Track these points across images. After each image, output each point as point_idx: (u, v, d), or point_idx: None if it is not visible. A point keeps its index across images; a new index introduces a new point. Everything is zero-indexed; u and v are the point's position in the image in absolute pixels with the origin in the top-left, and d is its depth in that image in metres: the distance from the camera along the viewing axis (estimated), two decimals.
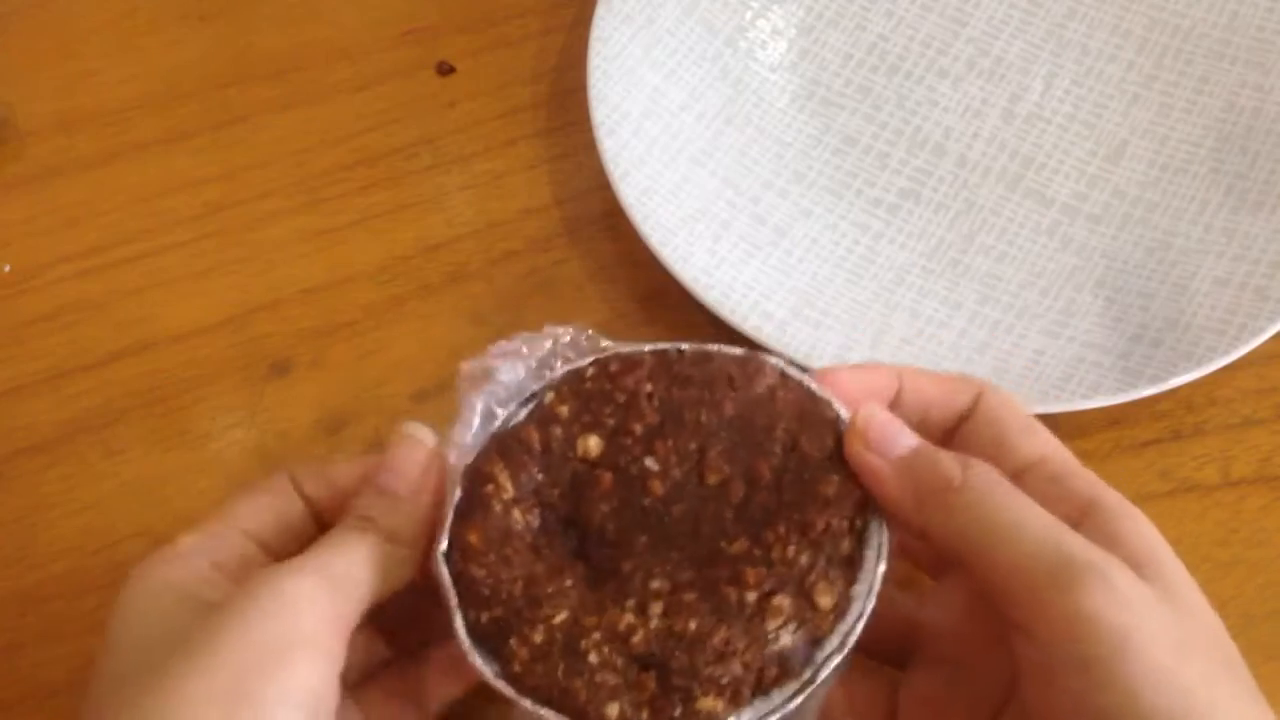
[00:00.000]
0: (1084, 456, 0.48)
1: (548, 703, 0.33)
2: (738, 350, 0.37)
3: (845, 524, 0.34)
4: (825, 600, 0.33)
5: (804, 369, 0.37)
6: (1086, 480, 0.34)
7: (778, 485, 0.35)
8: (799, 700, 0.32)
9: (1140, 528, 0.32)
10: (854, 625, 0.33)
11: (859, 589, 0.33)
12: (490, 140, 0.57)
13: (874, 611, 0.33)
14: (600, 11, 0.56)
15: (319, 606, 0.32)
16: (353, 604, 0.33)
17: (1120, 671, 0.29)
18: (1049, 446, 0.35)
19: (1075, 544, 0.31)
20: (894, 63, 0.57)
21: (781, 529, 0.34)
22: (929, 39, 0.58)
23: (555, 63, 0.59)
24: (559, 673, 0.33)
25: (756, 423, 0.35)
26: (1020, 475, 0.34)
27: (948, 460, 0.33)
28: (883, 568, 0.34)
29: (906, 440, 0.34)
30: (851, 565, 0.33)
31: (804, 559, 0.33)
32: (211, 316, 0.53)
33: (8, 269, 0.54)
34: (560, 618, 0.34)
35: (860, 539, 0.34)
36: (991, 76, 0.57)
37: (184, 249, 0.55)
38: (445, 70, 0.59)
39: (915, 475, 0.33)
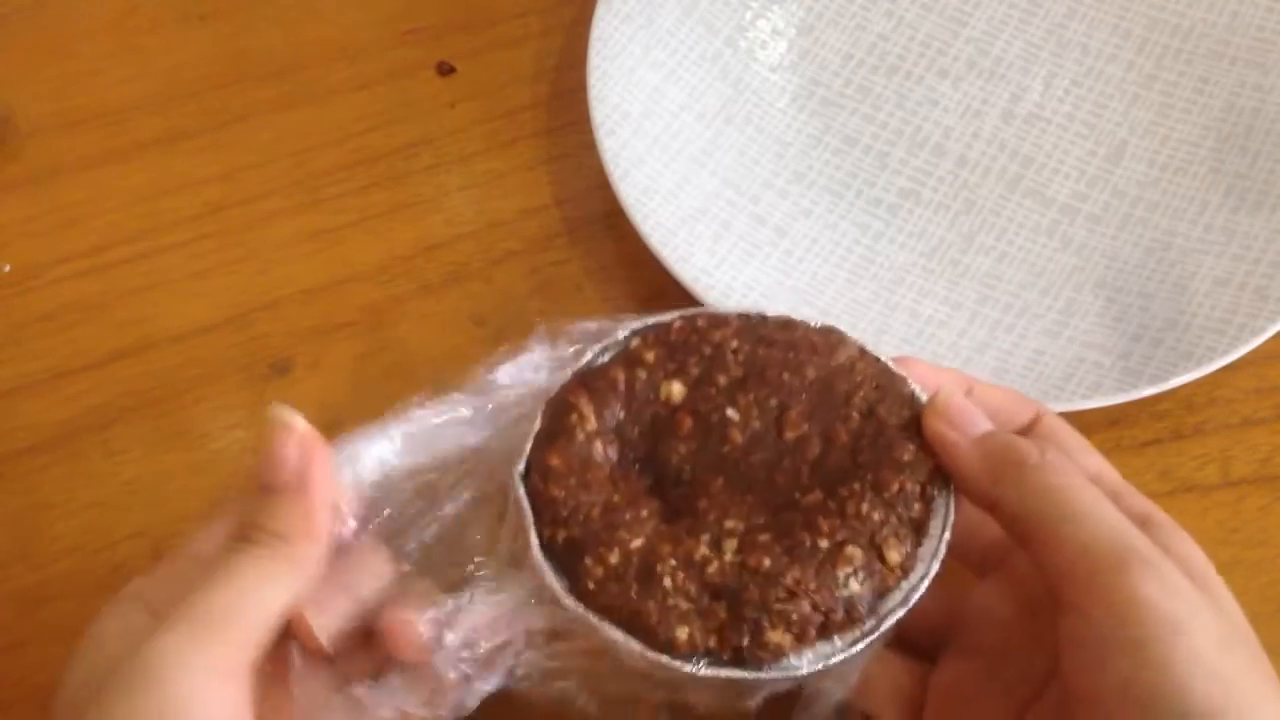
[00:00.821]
0: None
1: (618, 622, 0.34)
2: (818, 323, 0.38)
3: (918, 488, 0.35)
4: (894, 555, 0.34)
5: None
6: (1140, 499, 0.35)
7: (854, 448, 0.36)
8: (858, 649, 0.34)
9: (1190, 546, 0.34)
10: (918, 584, 0.34)
11: (924, 551, 0.35)
12: (490, 140, 0.57)
13: (937, 575, 0.34)
14: (600, 11, 0.56)
15: (195, 660, 0.31)
16: (242, 635, 0.32)
17: (1170, 655, 0.30)
18: (1104, 466, 0.37)
19: (1138, 537, 0.32)
20: (894, 63, 0.57)
21: (856, 486, 0.35)
22: (929, 39, 0.58)
23: (555, 63, 0.59)
24: (632, 593, 0.34)
25: (836, 389, 0.37)
26: None
27: (1025, 441, 0.35)
28: (948, 536, 0.35)
29: (984, 423, 0.36)
30: (919, 530, 0.35)
31: (876, 515, 0.34)
32: (211, 316, 0.53)
33: (8, 269, 0.54)
34: (636, 543, 0.35)
35: (929, 507, 0.35)
36: (991, 76, 0.57)
37: (184, 249, 0.55)
38: (445, 70, 0.59)
39: (992, 451, 0.35)
